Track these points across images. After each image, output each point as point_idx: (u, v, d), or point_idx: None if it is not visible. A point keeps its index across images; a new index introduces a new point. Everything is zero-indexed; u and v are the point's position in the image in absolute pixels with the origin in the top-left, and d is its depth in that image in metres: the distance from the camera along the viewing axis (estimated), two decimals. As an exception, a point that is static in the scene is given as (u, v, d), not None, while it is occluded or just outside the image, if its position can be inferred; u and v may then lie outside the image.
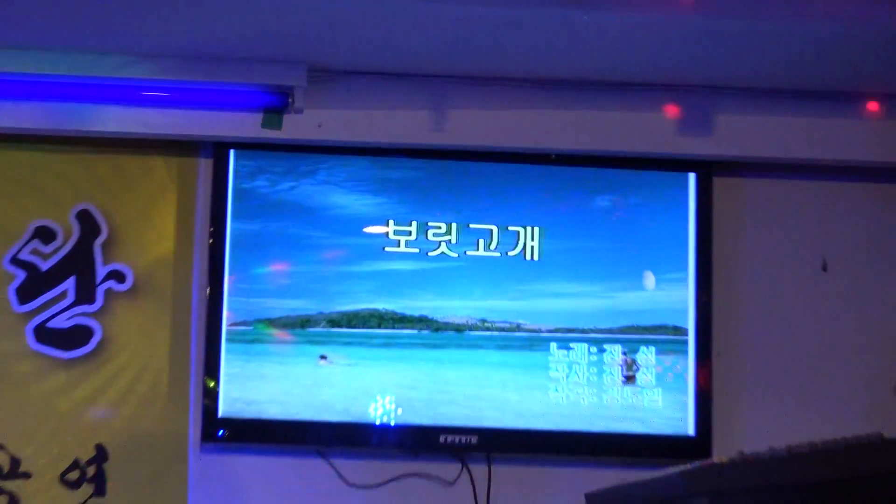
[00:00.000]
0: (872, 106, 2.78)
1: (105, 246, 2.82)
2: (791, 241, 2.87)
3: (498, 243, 2.85)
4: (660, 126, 2.82)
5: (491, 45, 2.65)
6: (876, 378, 2.83)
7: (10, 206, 2.83)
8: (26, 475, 2.71)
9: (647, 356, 2.81)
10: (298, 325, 2.84)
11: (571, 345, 2.81)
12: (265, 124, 2.82)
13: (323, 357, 2.81)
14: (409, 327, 2.84)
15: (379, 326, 2.84)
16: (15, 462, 2.71)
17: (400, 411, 2.75)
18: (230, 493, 2.79)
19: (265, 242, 2.85)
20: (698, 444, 2.76)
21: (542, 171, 2.88)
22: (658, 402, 2.80)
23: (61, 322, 2.80)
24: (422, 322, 2.83)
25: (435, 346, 2.83)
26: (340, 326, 2.84)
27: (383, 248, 2.85)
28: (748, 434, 2.75)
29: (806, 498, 1.19)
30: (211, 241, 2.82)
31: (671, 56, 2.67)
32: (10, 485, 2.70)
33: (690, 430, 2.78)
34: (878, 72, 2.69)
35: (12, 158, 2.85)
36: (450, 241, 2.85)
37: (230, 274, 2.81)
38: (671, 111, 2.81)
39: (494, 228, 2.85)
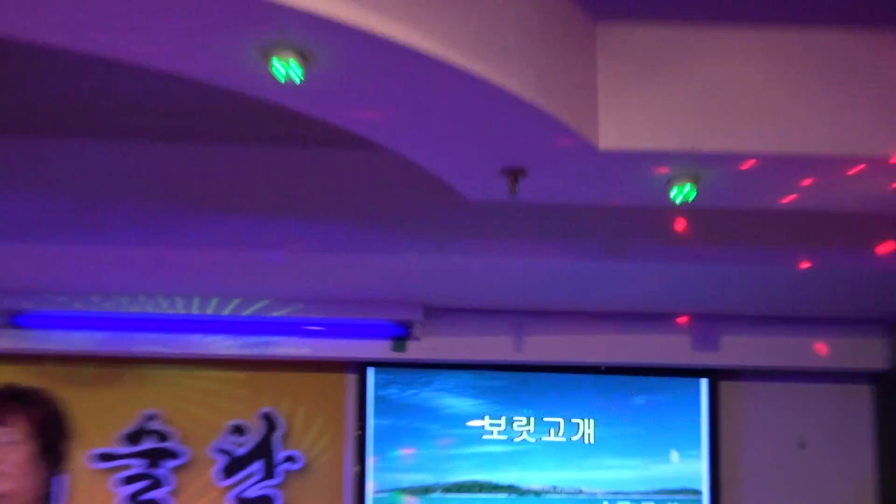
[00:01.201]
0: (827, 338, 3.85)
1: (283, 438, 3.94)
2: (777, 427, 3.95)
3: (564, 431, 3.95)
4: (680, 344, 3.90)
5: (559, 289, 3.71)
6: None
7: (211, 410, 3.96)
8: None
9: (673, 511, 3.96)
10: (422, 492, 3.95)
11: (619, 503, 3.94)
12: (394, 348, 3.90)
13: (439, 515, 3.94)
14: (500, 493, 3.94)
15: (479, 492, 3.95)
16: None
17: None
18: None
19: (397, 432, 3.97)
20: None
21: (596, 379, 3.99)
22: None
23: (253, 493, 3.93)
24: (510, 489, 3.94)
25: (521, 507, 3.96)
26: (451, 492, 3.95)
27: (481, 436, 3.96)
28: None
29: None
30: (358, 432, 3.94)
31: (690, 293, 3.72)
32: None
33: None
34: (838, 302, 3.75)
35: (211, 376, 3.97)
36: (529, 430, 3.96)
37: (373, 455, 3.92)
38: (688, 331, 3.88)
39: (562, 421, 3.96)
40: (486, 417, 3.95)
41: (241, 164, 3.15)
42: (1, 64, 2.64)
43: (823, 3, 2.45)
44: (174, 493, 3.88)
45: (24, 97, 2.90)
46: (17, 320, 3.74)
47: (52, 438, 1.68)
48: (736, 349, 3.89)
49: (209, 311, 3.78)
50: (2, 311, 3.70)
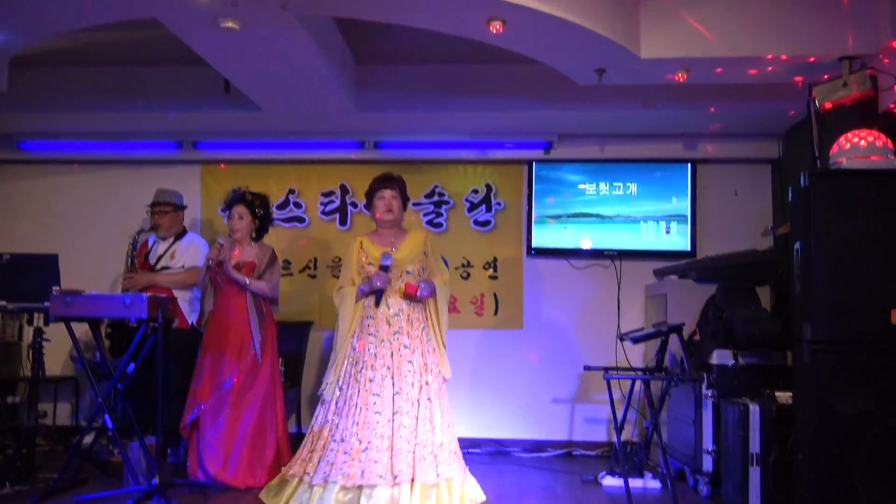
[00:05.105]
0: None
1: (495, 195, 8.88)
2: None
3: (623, 189, 8.57)
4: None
5: (633, 126, 8.35)
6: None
7: (465, 181, 8.99)
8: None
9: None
10: (556, 218, 8.72)
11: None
12: (545, 153, 8.68)
13: None
14: (593, 218, 8.62)
15: (582, 217, 8.64)
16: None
17: None
18: None
19: (545, 192, 8.85)
20: (691, 254, 8.36)
21: (642, 165, 8.55)
22: (678, 240, 8.43)
23: (482, 218, 8.92)
24: (597, 216, 8.60)
25: None
26: (570, 218, 8.69)
27: (585, 192, 8.71)
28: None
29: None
30: (528, 190, 8.82)
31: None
32: None
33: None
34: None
35: (468, 169, 8.99)
36: (608, 188, 8.60)
37: (534, 201, 8.81)
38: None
39: (621, 184, 8.59)
40: (587, 183, 8.61)
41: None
42: None
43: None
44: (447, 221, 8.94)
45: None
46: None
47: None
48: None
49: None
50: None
